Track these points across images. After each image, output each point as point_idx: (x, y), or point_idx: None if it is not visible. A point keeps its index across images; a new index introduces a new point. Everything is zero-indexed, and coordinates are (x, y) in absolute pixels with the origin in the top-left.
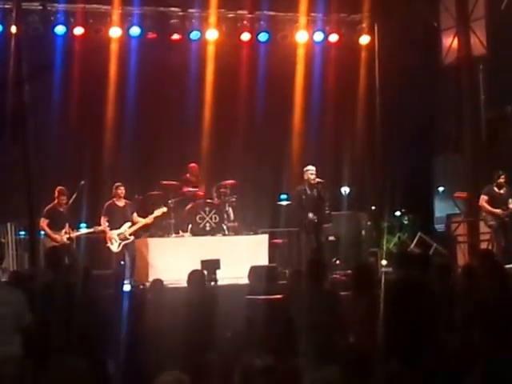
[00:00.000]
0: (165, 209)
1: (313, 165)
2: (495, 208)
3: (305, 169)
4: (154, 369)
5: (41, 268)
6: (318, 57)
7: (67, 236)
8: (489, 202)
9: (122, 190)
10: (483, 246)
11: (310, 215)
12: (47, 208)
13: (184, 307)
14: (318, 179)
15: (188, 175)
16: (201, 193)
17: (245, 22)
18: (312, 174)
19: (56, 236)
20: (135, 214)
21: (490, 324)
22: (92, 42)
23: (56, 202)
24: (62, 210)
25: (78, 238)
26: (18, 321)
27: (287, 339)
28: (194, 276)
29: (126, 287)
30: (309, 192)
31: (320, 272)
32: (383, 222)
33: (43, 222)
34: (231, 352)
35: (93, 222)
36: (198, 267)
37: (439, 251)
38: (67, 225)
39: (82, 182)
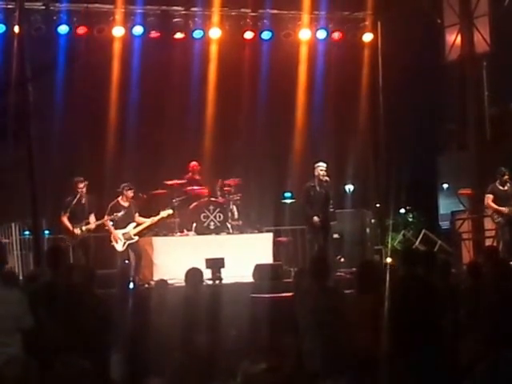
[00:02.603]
0: (171, 211)
1: (324, 161)
2: (500, 205)
3: (316, 165)
4: (157, 368)
5: (43, 268)
6: (321, 55)
7: (83, 228)
8: (494, 200)
9: (131, 193)
10: (488, 242)
11: (316, 218)
12: (67, 200)
13: (183, 306)
14: (326, 177)
15: (190, 174)
16: (205, 191)
17: (248, 21)
18: (322, 170)
19: (74, 230)
20: (137, 214)
21: (495, 321)
22: (95, 41)
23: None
24: (82, 200)
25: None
26: (19, 321)
27: (291, 337)
28: (190, 274)
29: (131, 286)
30: (318, 189)
31: (324, 270)
32: (388, 220)
33: (63, 216)
34: (236, 350)
35: (96, 220)
36: (203, 266)
37: (444, 248)
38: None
39: (86, 182)
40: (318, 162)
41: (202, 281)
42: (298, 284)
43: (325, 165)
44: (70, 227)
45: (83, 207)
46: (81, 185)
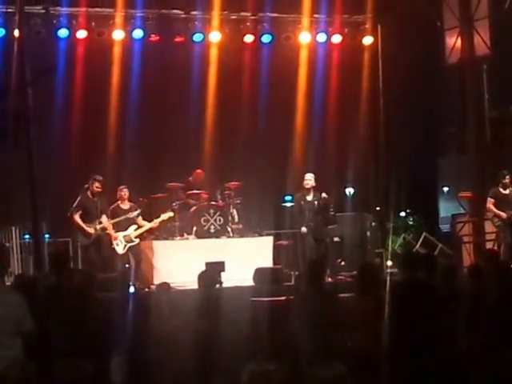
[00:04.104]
0: (171, 213)
1: (313, 172)
2: (501, 208)
3: (304, 176)
4: (158, 371)
5: (45, 271)
6: (321, 58)
7: (97, 227)
8: (495, 204)
9: (125, 192)
10: (489, 245)
11: (303, 229)
12: (79, 199)
13: (194, 309)
14: (322, 194)
15: (191, 179)
16: (205, 195)
17: (248, 24)
18: (310, 180)
19: (88, 228)
20: (140, 217)
21: (496, 324)
22: (95, 44)
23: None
24: (95, 199)
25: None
26: (20, 324)
27: (290, 341)
28: (204, 277)
29: (131, 290)
30: (308, 199)
31: (319, 274)
32: (388, 223)
33: (75, 214)
34: (237, 354)
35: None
36: (203, 269)
37: (444, 252)
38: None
39: (86, 186)
40: (306, 173)
41: (215, 284)
42: (297, 287)
43: (312, 175)
44: (84, 226)
45: (95, 205)
46: (99, 184)
